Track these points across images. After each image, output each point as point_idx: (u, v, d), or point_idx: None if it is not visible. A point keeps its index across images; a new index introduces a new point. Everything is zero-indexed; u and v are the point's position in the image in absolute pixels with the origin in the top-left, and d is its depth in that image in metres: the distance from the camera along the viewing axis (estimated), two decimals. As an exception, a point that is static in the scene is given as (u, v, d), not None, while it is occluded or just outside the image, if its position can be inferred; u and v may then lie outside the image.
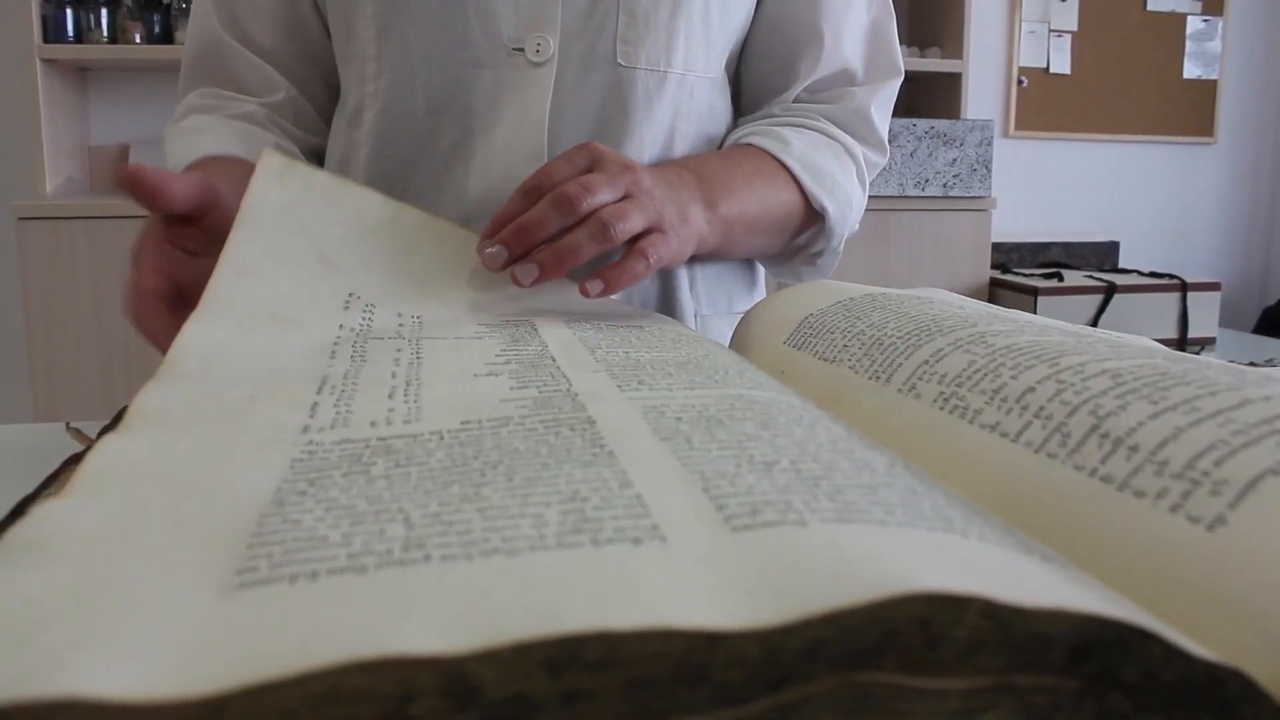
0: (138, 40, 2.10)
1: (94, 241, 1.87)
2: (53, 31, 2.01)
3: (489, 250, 0.51)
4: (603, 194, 0.51)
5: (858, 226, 0.76)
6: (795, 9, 0.70)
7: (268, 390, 0.34)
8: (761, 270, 0.80)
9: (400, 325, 0.45)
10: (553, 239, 0.51)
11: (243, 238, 0.46)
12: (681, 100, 0.67)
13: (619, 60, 0.64)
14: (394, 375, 0.37)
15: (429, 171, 0.65)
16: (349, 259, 0.50)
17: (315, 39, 0.69)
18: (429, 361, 0.38)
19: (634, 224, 0.52)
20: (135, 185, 0.46)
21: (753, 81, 0.74)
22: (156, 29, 2.13)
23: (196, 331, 0.39)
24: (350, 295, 0.47)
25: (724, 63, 0.71)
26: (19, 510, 0.29)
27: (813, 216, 0.69)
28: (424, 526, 0.21)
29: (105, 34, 2.08)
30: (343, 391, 0.34)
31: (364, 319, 0.45)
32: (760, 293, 0.79)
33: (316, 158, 0.71)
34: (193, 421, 0.30)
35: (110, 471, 0.26)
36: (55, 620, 0.17)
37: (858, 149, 0.73)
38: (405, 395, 0.33)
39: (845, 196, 0.70)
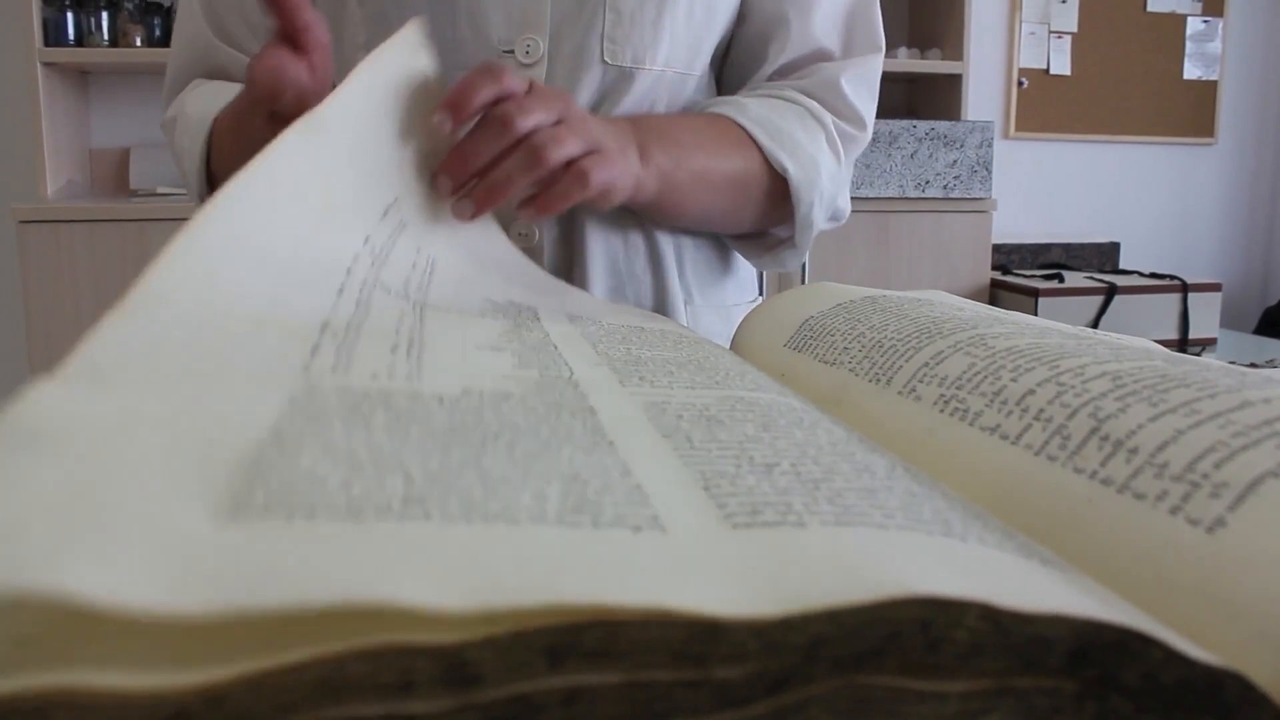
0: (138, 43, 2.10)
1: (94, 245, 1.87)
2: (53, 35, 2.02)
3: (439, 179, 0.51)
4: (537, 114, 0.51)
5: (847, 209, 0.73)
6: None
7: (273, 313, 0.33)
8: (748, 265, 0.79)
9: (413, 267, 0.45)
10: (491, 168, 0.51)
11: (356, 89, 0.46)
12: (664, 97, 0.68)
13: (605, 58, 0.64)
14: (397, 331, 0.36)
15: None
16: (411, 166, 0.50)
17: None
18: (431, 326, 0.38)
19: (569, 148, 0.51)
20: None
21: (730, 71, 0.74)
22: (157, 32, 2.13)
23: (252, 174, 0.37)
24: (392, 203, 0.46)
25: (709, 60, 0.71)
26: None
27: (779, 184, 0.67)
28: (424, 484, 0.21)
29: (106, 37, 2.09)
30: (344, 339, 0.33)
31: (389, 239, 0.44)
32: (749, 287, 0.79)
33: None
34: (198, 320, 0.29)
35: (110, 359, 0.25)
36: (48, 517, 0.17)
37: (826, 115, 0.70)
38: (407, 354, 0.33)
39: (810, 159, 0.67)
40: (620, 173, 0.55)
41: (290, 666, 0.15)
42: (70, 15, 2.04)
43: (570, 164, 0.52)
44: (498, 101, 0.51)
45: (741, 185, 0.67)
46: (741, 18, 0.71)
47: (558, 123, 0.52)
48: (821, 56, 0.72)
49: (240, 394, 0.25)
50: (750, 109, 0.67)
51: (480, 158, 0.50)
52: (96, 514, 0.17)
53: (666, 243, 0.70)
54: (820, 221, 0.70)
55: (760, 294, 0.81)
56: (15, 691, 0.15)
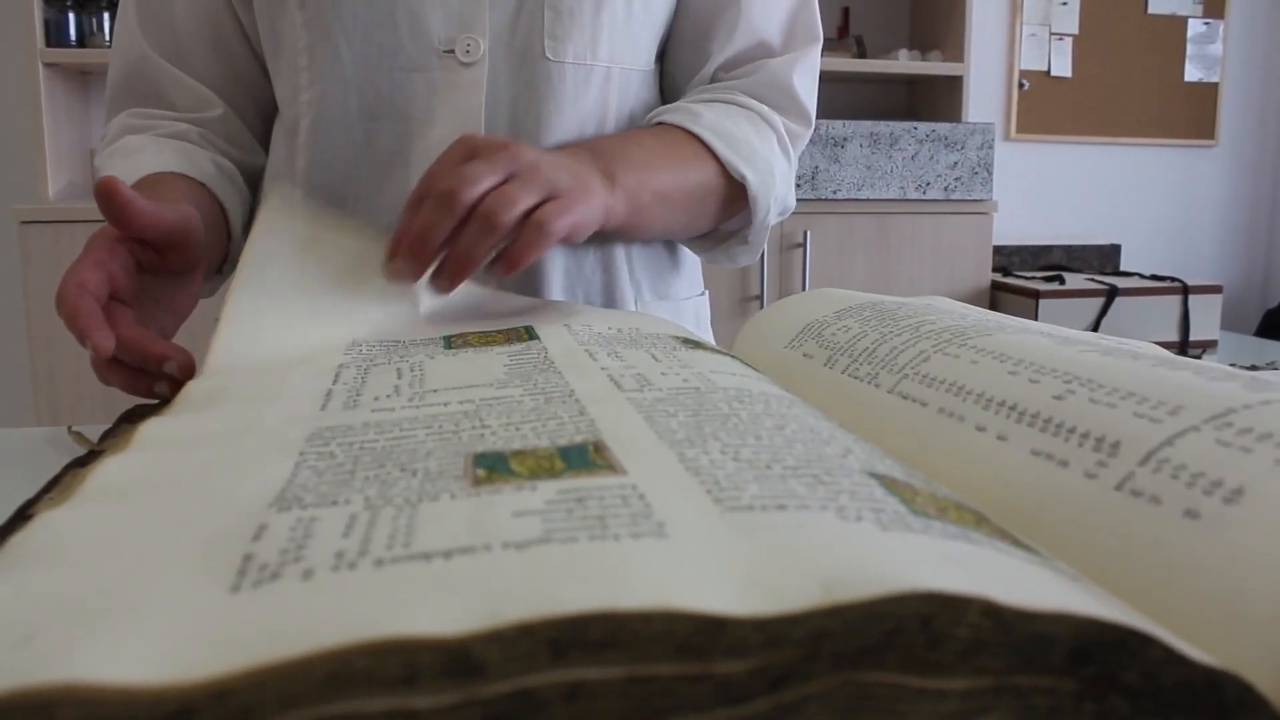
0: (140, 44, 2.10)
1: (96, 245, 1.87)
2: (55, 35, 2.02)
3: (395, 267, 0.49)
4: (483, 182, 0.50)
5: (793, 204, 0.74)
6: None
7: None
8: (694, 260, 0.80)
9: (399, 375, 0.45)
10: (451, 239, 0.50)
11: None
12: (612, 93, 0.68)
13: (547, 55, 0.65)
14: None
15: (368, 178, 0.65)
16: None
17: (240, 56, 0.69)
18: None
19: (522, 203, 0.50)
20: (106, 198, 0.47)
21: (671, 68, 0.75)
22: (158, 33, 2.13)
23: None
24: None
25: (652, 55, 0.72)
26: (21, 514, 0.29)
27: (736, 189, 0.68)
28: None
29: (107, 38, 2.09)
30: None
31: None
32: (696, 282, 0.81)
33: (249, 176, 0.71)
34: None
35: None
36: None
37: (776, 118, 0.71)
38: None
39: (765, 164, 0.68)
40: (583, 210, 0.53)
41: (294, 661, 0.15)
42: (71, 16, 2.04)
43: (528, 215, 0.50)
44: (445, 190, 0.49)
45: (702, 196, 0.67)
46: (681, 11, 0.72)
47: (507, 179, 0.51)
48: (764, 51, 0.72)
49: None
50: (704, 117, 0.67)
51: (437, 235, 0.49)
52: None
53: (616, 243, 0.71)
54: (772, 221, 0.72)
55: (704, 289, 0.82)
56: (22, 688, 0.15)
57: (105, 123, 0.71)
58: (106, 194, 0.47)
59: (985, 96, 2.87)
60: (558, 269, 0.68)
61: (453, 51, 0.63)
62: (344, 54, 0.63)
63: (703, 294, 0.82)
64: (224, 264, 0.66)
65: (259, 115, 0.72)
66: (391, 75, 0.63)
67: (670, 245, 0.77)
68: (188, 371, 0.45)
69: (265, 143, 0.73)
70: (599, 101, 0.68)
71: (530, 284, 0.68)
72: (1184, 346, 2.48)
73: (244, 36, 0.69)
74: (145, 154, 0.64)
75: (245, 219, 0.69)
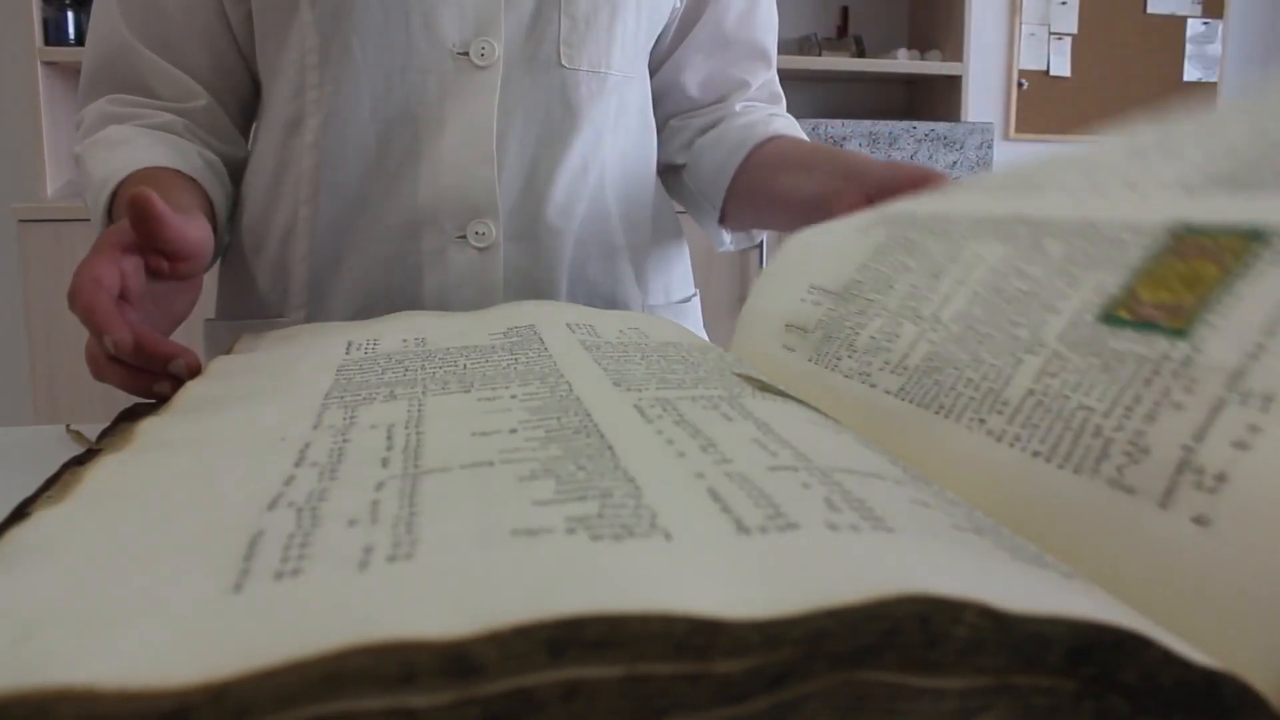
0: (139, 43, 2.10)
1: (95, 244, 1.87)
2: (54, 34, 2.02)
3: None
4: None
5: None
6: (742, 30, 0.76)
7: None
8: (687, 263, 0.82)
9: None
10: None
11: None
12: (620, 101, 0.69)
13: (562, 62, 0.66)
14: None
15: (378, 178, 0.65)
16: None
17: (226, 51, 0.69)
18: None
19: None
20: (142, 214, 0.47)
21: (696, 89, 0.78)
22: (158, 32, 2.13)
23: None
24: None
25: (646, 63, 0.74)
26: (19, 512, 0.29)
27: None
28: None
29: (106, 37, 2.08)
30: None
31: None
32: (690, 284, 0.82)
33: (232, 167, 0.70)
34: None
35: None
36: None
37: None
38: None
39: None
40: None
41: (292, 663, 0.15)
42: (70, 14, 2.04)
43: None
44: None
45: None
46: (719, 41, 0.76)
47: None
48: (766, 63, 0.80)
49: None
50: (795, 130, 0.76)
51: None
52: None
53: (622, 247, 0.72)
54: None
55: (695, 289, 0.84)
56: (20, 689, 0.15)
57: (79, 108, 0.70)
58: (142, 209, 0.47)
59: (984, 96, 2.87)
60: (560, 272, 0.69)
61: (467, 54, 0.63)
62: (356, 54, 0.63)
63: (695, 294, 0.82)
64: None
65: (240, 107, 0.72)
66: (404, 76, 0.63)
67: (672, 248, 0.78)
68: (194, 371, 0.45)
69: (245, 134, 0.73)
70: (608, 109, 0.68)
71: (536, 285, 0.68)
72: (1183, 346, 2.48)
73: (230, 31, 0.68)
74: (133, 146, 0.63)
75: (228, 212, 0.69)
